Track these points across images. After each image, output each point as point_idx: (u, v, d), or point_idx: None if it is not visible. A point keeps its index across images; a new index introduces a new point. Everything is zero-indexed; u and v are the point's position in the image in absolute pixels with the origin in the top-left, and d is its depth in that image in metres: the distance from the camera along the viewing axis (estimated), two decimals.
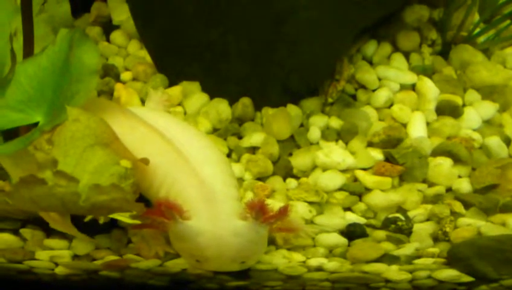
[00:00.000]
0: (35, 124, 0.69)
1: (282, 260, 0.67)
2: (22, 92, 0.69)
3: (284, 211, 0.61)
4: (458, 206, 0.72)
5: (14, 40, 0.71)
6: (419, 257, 0.68)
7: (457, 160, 0.75)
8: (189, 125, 0.72)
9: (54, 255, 0.67)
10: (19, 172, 0.61)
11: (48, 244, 0.68)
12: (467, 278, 0.66)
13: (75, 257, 0.67)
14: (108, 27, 0.86)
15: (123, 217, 0.62)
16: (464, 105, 0.80)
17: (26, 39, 0.71)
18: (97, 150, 0.60)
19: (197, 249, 0.61)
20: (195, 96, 0.80)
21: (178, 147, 0.64)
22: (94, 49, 0.68)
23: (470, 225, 0.70)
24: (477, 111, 0.79)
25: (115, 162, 0.59)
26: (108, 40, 0.86)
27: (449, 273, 0.66)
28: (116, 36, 0.86)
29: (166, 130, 0.66)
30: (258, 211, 0.61)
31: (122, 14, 0.85)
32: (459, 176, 0.75)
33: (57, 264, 0.67)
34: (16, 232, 0.69)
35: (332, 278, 0.66)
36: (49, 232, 0.69)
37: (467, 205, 0.72)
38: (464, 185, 0.74)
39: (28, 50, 0.71)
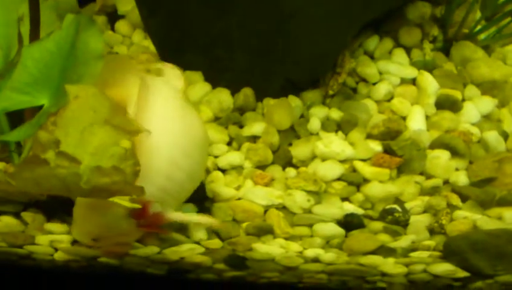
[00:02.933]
0: (40, 107, 0.68)
1: (280, 250, 0.66)
2: (28, 75, 0.68)
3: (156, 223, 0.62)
4: (455, 199, 0.71)
5: (21, 24, 0.70)
6: (415, 249, 0.67)
7: (455, 153, 0.74)
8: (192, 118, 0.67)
9: (53, 239, 0.66)
10: None
11: (48, 228, 0.67)
12: (463, 273, 0.65)
13: (75, 242, 0.65)
14: (113, 17, 0.86)
15: (123, 201, 0.60)
16: (463, 100, 0.79)
17: (33, 24, 0.70)
18: (96, 129, 0.59)
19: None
20: (198, 86, 0.79)
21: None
22: (99, 34, 0.67)
23: (466, 217, 0.69)
24: (477, 106, 0.78)
25: (114, 142, 0.58)
26: (113, 30, 0.85)
27: (444, 268, 0.65)
28: (121, 26, 0.85)
29: (163, 115, 0.64)
30: (139, 213, 0.61)
31: (127, 4, 0.85)
32: (457, 169, 0.74)
33: (56, 250, 0.66)
34: (17, 215, 0.68)
35: (329, 270, 0.65)
36: (50, 216, 0.68)
37: (463, 198, 0.71)
38: (461, 178, 0.73)
39: (34, 35, 0.70)
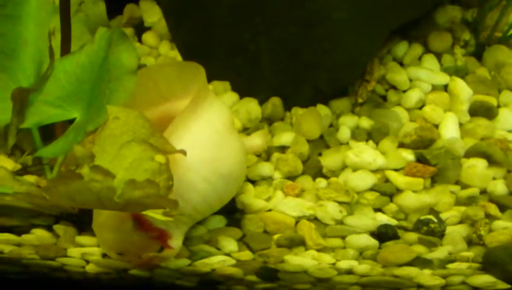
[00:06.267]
0: (72, 120, 0.66)
1: (312, 262, 0.63)
2: (60, 88, 0.67)
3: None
4: (493, 209, 0.67)
5: (52, 38, 0.69)
6: (452, 261, 0.63)
7: (492, 161, 0.70)
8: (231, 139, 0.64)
9: (85, 252, 0.64)
10: None
11: (80, 241, 0.65)
12: (503, 285, 0.61)
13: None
14: (140, 28, 0.84)
15: (156, 214, 0.58)
16: (498, 106, 0.75)
17: (64, 38, 0.69)
18: (133, 146, 0.57)
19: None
20: (226, 96, 0.76)
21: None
22: (132, 49, 0.65)
23: (507, 228, 0.65)
24: None
25: (149, 157, 0.56)
26: (140, 41, 0.84)
27: (484, 280, 0.61)
28: (148, 37, 0.84)
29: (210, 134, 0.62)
30: (142, 227, 0.60)
31: (153, 16, 0.84)
32: (494, 178, 0.70)
33: (87, 262, 0.64)
34: (49, 228, 0.67)
35: (363, 281, 0.62)
36: (81, 228, 0.66)
37: (502, 208, 0.67)
38: (499, 187, 0.68)
39: (66, 48, 0.69)
